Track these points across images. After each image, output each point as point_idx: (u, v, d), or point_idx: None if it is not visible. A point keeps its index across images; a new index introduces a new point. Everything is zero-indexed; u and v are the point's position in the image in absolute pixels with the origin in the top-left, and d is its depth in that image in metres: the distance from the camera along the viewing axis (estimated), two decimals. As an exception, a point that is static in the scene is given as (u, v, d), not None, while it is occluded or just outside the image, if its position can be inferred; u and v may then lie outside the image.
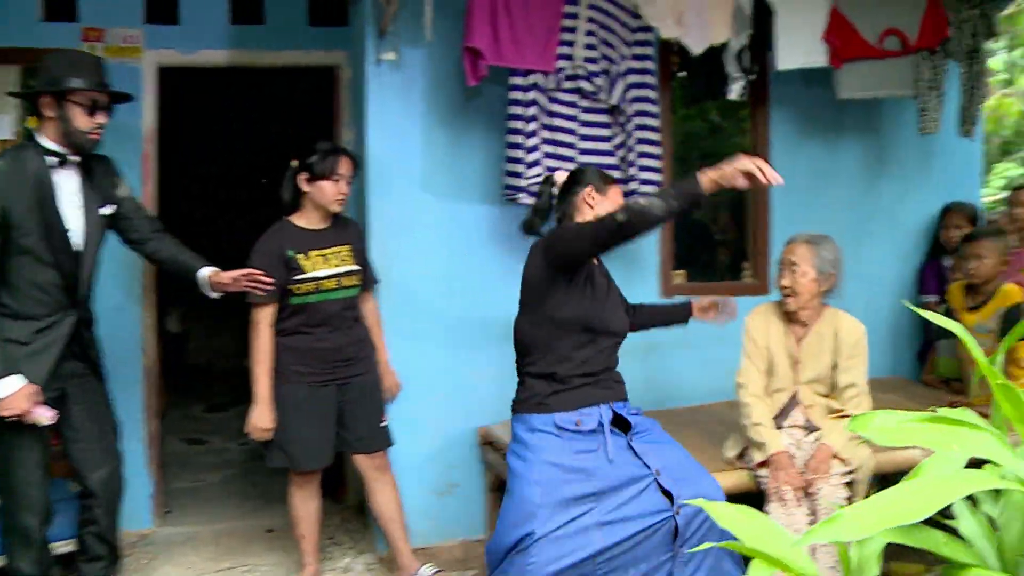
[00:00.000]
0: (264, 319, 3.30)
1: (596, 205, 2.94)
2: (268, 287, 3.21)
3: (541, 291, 2.86)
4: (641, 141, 3.71)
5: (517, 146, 3.54)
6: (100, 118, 2.97)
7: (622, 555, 2.60)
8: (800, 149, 4.45)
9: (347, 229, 3.47)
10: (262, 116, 7.44)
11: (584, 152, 3.69)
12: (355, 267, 3.42)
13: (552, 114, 3.63)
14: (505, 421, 3.80)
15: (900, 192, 4.67)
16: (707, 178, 2.55)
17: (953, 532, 1.36)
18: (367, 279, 3.55)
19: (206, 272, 3.23)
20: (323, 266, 3.33)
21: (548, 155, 3.61)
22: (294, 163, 3.39)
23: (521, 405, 2.92)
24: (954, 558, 1.32)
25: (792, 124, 4.42)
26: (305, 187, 3.34)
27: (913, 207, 4.69)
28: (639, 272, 4.15)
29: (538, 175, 3.52)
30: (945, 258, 4.53)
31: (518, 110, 3.55)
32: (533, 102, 3.55)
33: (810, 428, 3.19)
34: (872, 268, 4.61)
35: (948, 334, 4.12)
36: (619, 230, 2.61)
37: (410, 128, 3.82)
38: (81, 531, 3.21)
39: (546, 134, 3.61)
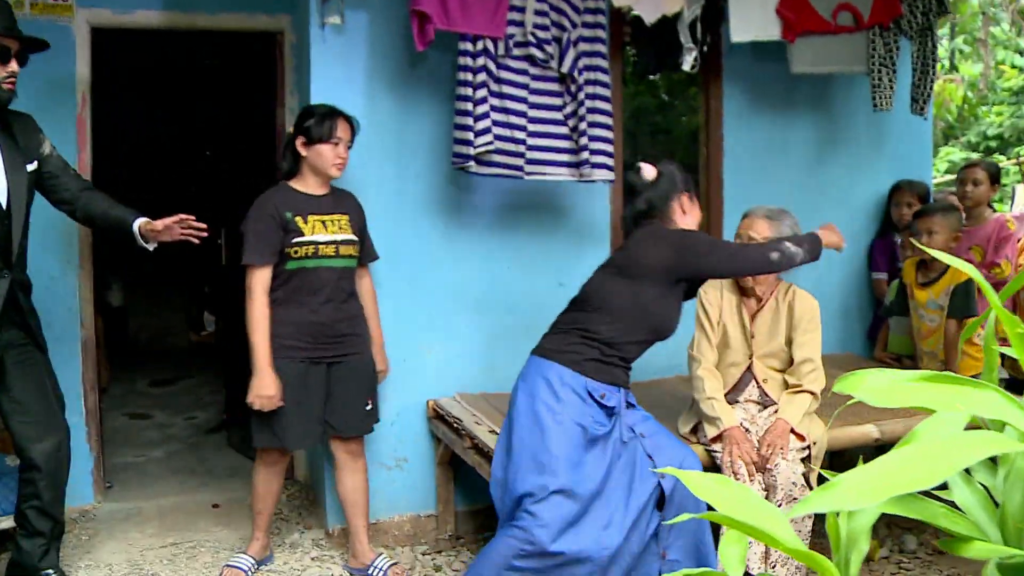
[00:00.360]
0: (259, 283, 3.16)
1: (688, 212, 2.99)
2: (204, 233, 3.10)
3: (654, 278, 2.85)
4: (592, 111, 3.63)
5: (466, 113, 3.43)
6: (12, 66, 2.84)
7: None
8: (753, 124, 4.40)
9: (346, 199, 3.38)
10: (203, 83, 7.13)
11: (534, 121, 3.60)
12: (353, 236, 3.31)
13: (501, 81, 3.53)
14: (456, 395, 3.78)
15: (851, 169, 4.64)
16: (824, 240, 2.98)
17: (948, 504, 1.28)
18: (365, 252, 3.44)
19: (139, 222, 3.10)
20: (321, 231, 3.21)
21: (497, 123, 3.50)
22: (291, 130, 3.30)
23: (560, 356, 2.85)
24: (954, 530, 1.23)
25: (745, 98, 4.37)
26: (303, 151, 3.23)
27: (864, 184, 4.67)
28: (590, 240, 4.07)
29: (488, 143, 3.43)
30: (895, 235, 4.52)
31: (467, 76, 3.44)
32: (482, 68, 3.45)
33: (764, 403, 3.15)
34: None
35: (900, 311, 4.21)
36: (766, 267, 2.90)
37: (354, 95, 3.69)
38: (22, 505, 3.09)
39: (495, 102, 3.51)
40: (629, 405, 2.97)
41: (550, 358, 2.87)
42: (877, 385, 1.23)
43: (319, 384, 3.27)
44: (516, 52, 3.55)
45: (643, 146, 4.98)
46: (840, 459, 3.91)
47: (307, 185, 3.28)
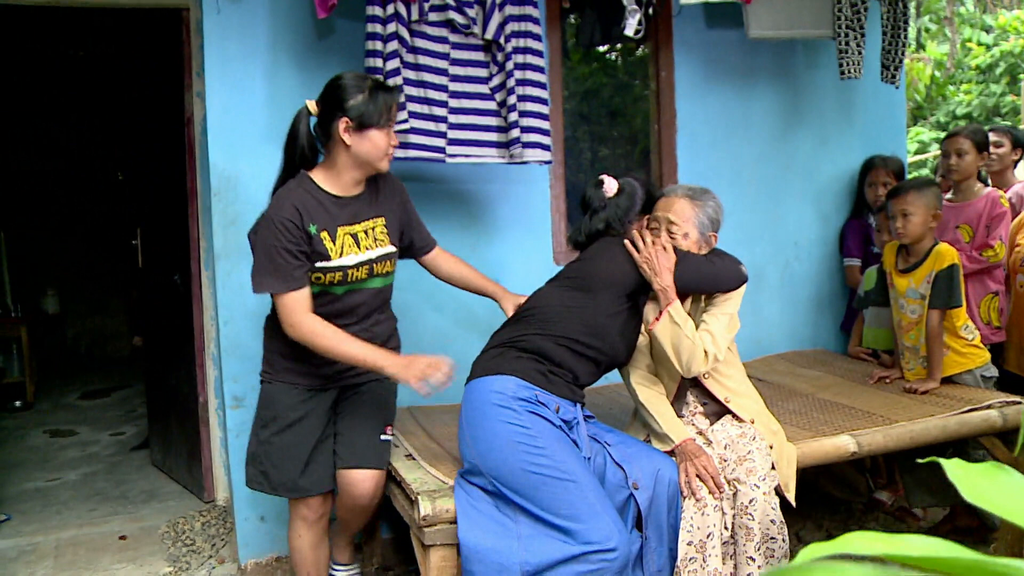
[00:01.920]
0: (296, 308, 2.42)
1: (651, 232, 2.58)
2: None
3: (613, 291, 2.48)
4: (524, 83, 3.10)
5: (375, 88, 2.89)
6: None
7: None
8: (708, 96, 3.89)
9: (382, 191, 2.63)
10: (101, 65, 6.47)
11: (457, 95, 3.07)
12: (391, 248, 2.61)
13: (417, 51, 3.00)
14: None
15: (818, 144, 4.15)
16: None
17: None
18: (417, 247, 2.79)
19: None
20: (352, 250, 2.51)
21: (413, 99, 2.99)
22: (310, 105, 2.55)
23: (502, 369, 2.42)
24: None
25: (699, 68, 3.85)
26: (346, 138, 2.44)
27: (833, 161, 4.18)
28: (532, 233, 3.58)
29: (401, 121, 2.90)
30: (869, 217, 4.01)
31: (375, 46, 2.92)
32: (393, 36, 2.92)
33: (714, 413, 2.63)
34: (788, 228, 4.11)
35: (877, 301, 3.73)
36: (738, 282, 2.57)
37: (254, 72, 3.18)
38: None
39: (410, 75, 2.98)
40: (587, 418, 2.57)
41: (490, 374, 2.41)
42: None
43: (323, 411, 2.65)
44: (433, 17, 3.02)
45: (598, 130, 4.47)
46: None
47: (339, 182, 2.51)
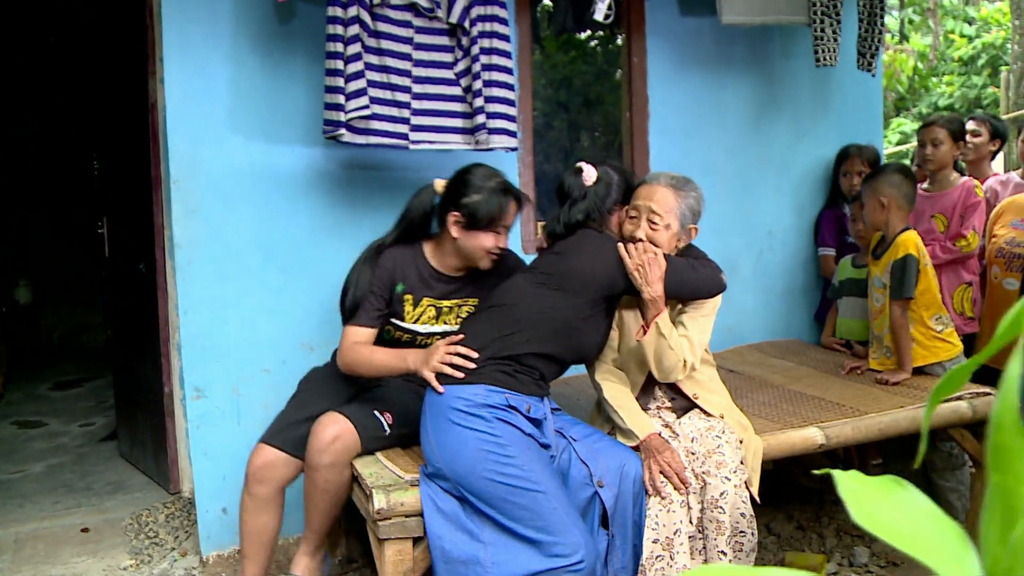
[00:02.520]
0: (349, 340, 2.56)
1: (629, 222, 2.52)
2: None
3: (590, 291, 2.38)
4: (490, 68, 3.01)
5: (335, 73, 2.81)
6: None
7: None
8: (681, 83, 3.80)
9: (492, 274, 2.61)
10: (72, 52, 6.30)
11: (420, 80, 2.98)
12: None
13: (380, 35, 2.90)
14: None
15: (793, 133, 4.08)
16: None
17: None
18: None
19: None
20: (430, 321, 2.61)
21: (375, 84, 2.90)
22: (437, 184, 2.60)
23: (463, 377, 2.33)
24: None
25: (671, 55, 3.76)
26: (454, 232, 2.52)
27: (808, 150, 4.11)
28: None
29: (363, 107, 2.82)
30: (844, 206, 3.95)
31: (336, 30, 2.82)
32: (355, 20, 2.82)
33: (681, 408, 2.56)
34: (762, 218, 4.04)
35: (851, 292, 3.66)
36: (717, 289, 2.50)
37: (215, 56, 3.07)
38: None
39: (372, 59, 2.89)
40: (553, 411, 2.50)
41: (447, 384, 2.32)
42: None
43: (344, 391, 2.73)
44: (396, 0, 2.92)
45: (574, 118, 4.40)
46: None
47: (442, 261, 2.61)
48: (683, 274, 2.43)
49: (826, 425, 2.72)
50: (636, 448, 2.40)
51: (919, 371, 3.15)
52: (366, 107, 2.83)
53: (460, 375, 2.30)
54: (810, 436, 2.68)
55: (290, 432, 2.64)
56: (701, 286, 2.46)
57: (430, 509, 2.23)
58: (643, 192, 2.50)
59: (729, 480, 2.27)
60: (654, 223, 2.45)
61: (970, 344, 3.50)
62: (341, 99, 2.80)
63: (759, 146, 3.99)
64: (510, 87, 3.05)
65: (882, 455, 3.52)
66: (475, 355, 2.32)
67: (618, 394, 2.49)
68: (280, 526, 2.71)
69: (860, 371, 3.29)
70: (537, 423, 2.35)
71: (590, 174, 2.53)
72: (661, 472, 2.29)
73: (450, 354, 2.33)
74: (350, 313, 2.57)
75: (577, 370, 3.37)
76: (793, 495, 3.63)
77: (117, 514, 3.69)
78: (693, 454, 2.36)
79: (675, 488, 2.27)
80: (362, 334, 2.54)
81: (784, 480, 3.62)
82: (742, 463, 2.36)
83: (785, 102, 4.03)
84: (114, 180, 4.27)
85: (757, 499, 2.39)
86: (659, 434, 2.40)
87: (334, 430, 2.52)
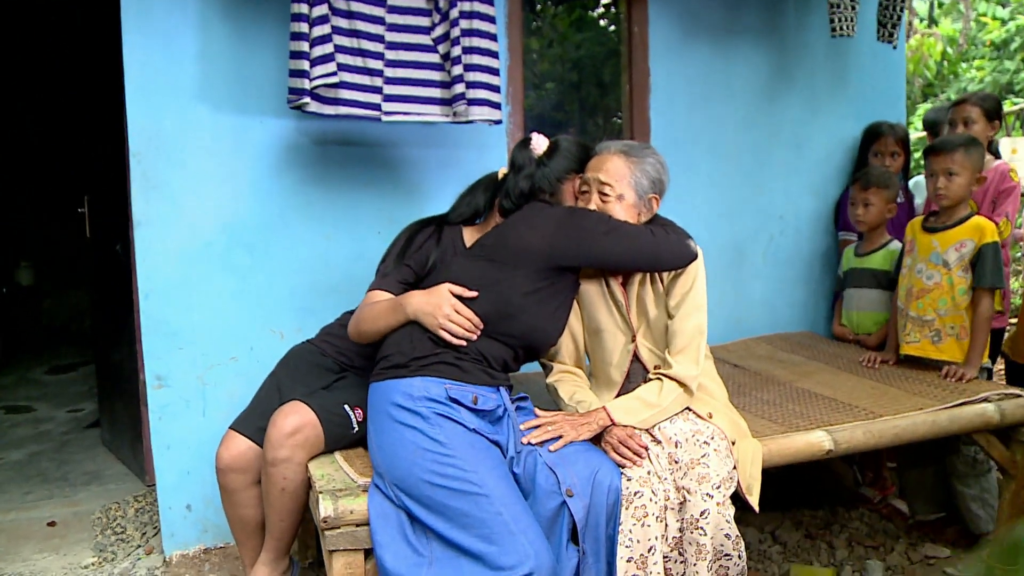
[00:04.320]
0: (370, 301, 2.30)
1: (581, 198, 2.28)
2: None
3: (532, 265, 2.14)
4: (470, 33, 2.73)
5: (300, 36, 2.55)
6: None
7: None
8: (685, 55, 3.51)
9: None
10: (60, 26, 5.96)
11: (394, 46, 2.70)
12: None
13: (350, -5, 2.63)
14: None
15: (808, 110, 3.78)
16: None
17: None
18: None
19: None
20: None
21: (344, 49, 2.64)
22: (503, 172, 2.44)
23: (399, 371, 2.10)
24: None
25: (676, 24, 3.46)
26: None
27: (824, 128, 3.82)
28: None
29: (329, 74, 2.56)
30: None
31: (302, -10, 2.55)
32: (322, -21, 2.55)
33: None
34: (773, 201, 3.76)
35: (856, 282, 3.36)
36: (686, 259, 2.22)
37: (181, 22, 2.84)
38: None
39: (341, 22, 2.62)
40: (518, 407, 2.24)
41: (395, 377, 2.08)
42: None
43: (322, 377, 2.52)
44: (368, -43, 2.65)
45: (589, 99, 4.10)
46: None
47: None
48: (636, 240, 2.14)
49: (835, 428, 2.42)
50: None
51: (936, 368, 2.86)
52: (333, 74, 2.57)
53: (462, 343, 2.07)
54: (816, 441, 2.38)
55: (263, 420, 2.38)
56: (661, 252, 2.16)
57: (376, 517, 1.96)
58: (593, 163, 2.24)
59: (711, 497, 1.97)
60: (605, 195, 2.19)
61: (997, 340, 3.17)
62: (305, 65, 2.54)
63: (770, 123, 3.71)
64: (493, 54, 2.78)
65: (898, 457, 3.20)
66: (479, 323, 2.09)
67: (576, 390, 2.25)
68: (263, 515, 2.45)
69: (890, 363, 3.00)
70: (490, 415, 2.10)
71: (539, 143, 2.31)
72: (615, 451, 2.05)
73: (454, 321, 2.08)
74: (378, 276, 2.37)
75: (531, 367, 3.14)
76: (802, 499, 3.34)
77: (88, 506, 3.50)
78: (676, 462, 2.06)
79: (629, 460, 2.03)
80: (380, 297, 2.27)
81: (791, 481, 3.31)
82: (733, 471, 2.07)
83: (799, 75, 3.74)
84: (93, 157, 4.04)
85: (756, 508, 2.12)
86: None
87: (294, 421, 2.27)
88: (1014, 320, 3.44)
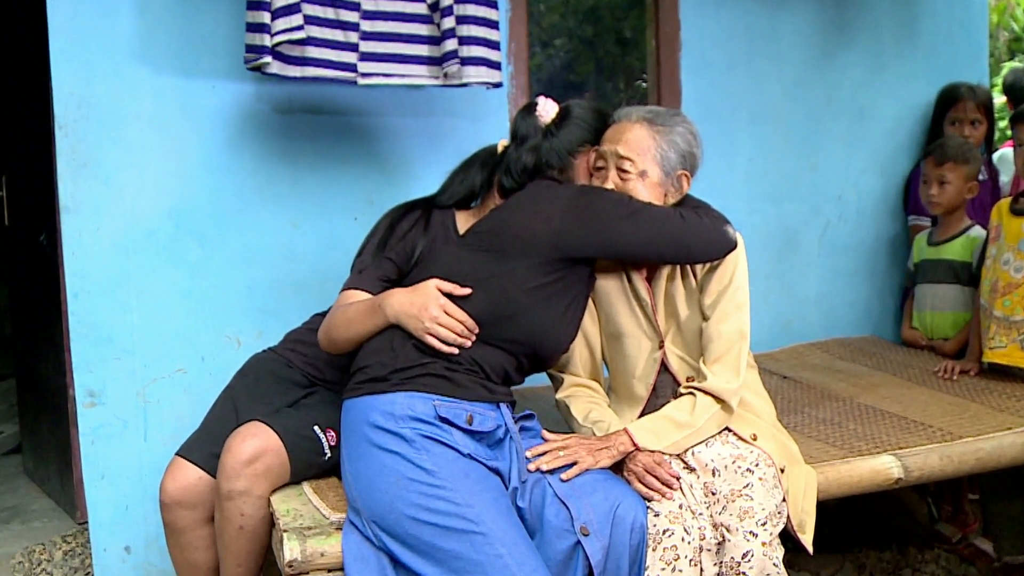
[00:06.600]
0: (344, 302, 2.33)
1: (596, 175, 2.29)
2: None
3: (535, 255, 2.14)
4: (464, -19, 2.78)
5: (259, -17, 2.59)
6: None
7: None
8: (723, 6, 3.63)
9: None
10: None
11: (373, -4, 2.75)
12: None
13: (319, -66, 2.69)
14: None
15: (871, 69, 3.94)
16: None
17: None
18: None
19: None
20: None
21: (315, 1, 2.68)
22: (503, 144, 2.43)
23: (380, 385, 2.12)
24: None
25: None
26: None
27: (891, 91, 3.98)
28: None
29: (294, 27, 2.61)
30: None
31: (262, -71, 2.60)
32: (285, -87, 2.59)
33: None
34: (830, 179, 3.91)
35: (928, 277, 3.37)
36: (723, 249, 2.22)
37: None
38: None
39: (310, -34, 2.67)
40: (523, 428, 2.25)
41: (373, 393, 2.10)
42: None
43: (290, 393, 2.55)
44: None
45: (607, 58, 4.18)
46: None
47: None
48: (663, 224, 2.15)
49: (905, 453, 2.45)
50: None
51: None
52: (299, 28, 2.62)
53: (453, 351, 2.08)
54: (883, 468, 2.41)
55: (217, 445, 2.39)
56: (692, 242, 2.18)
57: (352, 560, 1.99)
58: (610, 133, 2.26)
59: (756, 536, 1.99)
60: (625, 171, 2.20)
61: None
62: (266, 17, 2.59)
63: (826, 87, 3.85)
64: (491, 3, 2.85)
65: (981, 488, 3.22)
66: (474, 326, 2.10)
67: (592, 408, 2.27)
68: (216, 559, 2.49)
69: (971, 373, 3.05)
70: (488, 438, 2.12)
71: (547, 109, 2.31)
72: (641, 481, 2.07)
73: (443, 324, 2.09)
74: (353, 272, 2.38)
75: (540, 381, 3.21)
76: (865, 536, 3.41)
77: (7, 548, 3.57)
78: (713, 494, 2.08)
79: (659, 492, 2.04)
80: (356, 298, 2.29)
81: (853, 515, 3.36)
82: (783, 503, 2.08)
83: (860, 29, 3.88)
84: (14, 130, 4.09)
85: (809, 549, 2.15)
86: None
87: (253, 446, 2.28)
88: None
